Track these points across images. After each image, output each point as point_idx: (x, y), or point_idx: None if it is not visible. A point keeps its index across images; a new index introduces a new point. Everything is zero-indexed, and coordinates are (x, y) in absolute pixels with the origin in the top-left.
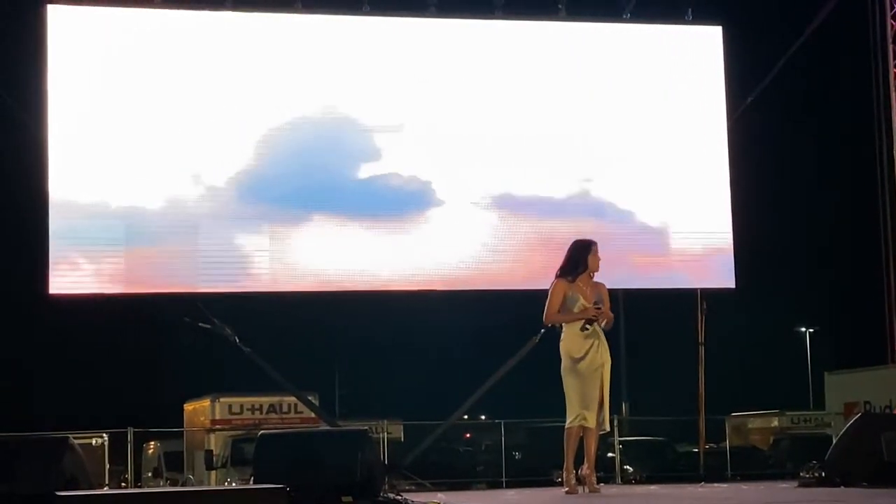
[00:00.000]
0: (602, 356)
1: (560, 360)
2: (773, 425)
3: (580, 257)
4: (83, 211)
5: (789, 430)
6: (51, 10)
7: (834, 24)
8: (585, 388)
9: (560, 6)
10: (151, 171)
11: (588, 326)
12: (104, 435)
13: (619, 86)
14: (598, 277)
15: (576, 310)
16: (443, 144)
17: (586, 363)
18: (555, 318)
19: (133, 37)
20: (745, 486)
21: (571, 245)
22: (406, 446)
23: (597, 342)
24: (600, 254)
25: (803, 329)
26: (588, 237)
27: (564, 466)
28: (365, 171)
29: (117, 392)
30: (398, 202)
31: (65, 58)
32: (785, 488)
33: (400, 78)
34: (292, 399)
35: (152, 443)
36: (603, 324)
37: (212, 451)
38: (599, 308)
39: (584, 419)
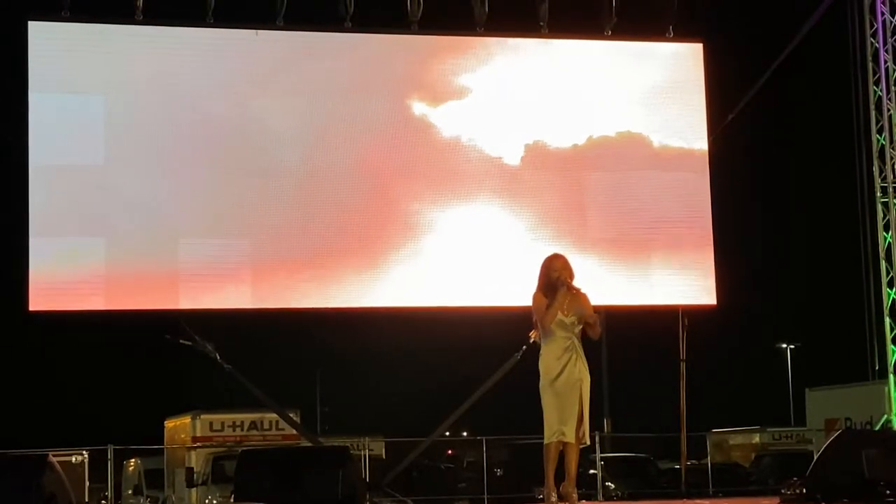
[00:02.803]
0: (580, 372)
1: (539, 377)
2: (754, 442)
3: (540, 274)
4: (64, 227)
5: (771, 446)
6: (32, 26)
7: (815, 42)
8: (563, 403)
9: (541, 23)
10: (132, 187)
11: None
12: (84, 452)
13: (601, 102)
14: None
15: (554, 326)
16: (422, 162)
17: (563, 379)
18: (547, 319)
19: (114, 53)
20: (726, 503)
21: None
22: (388, 463)
23: (574, 357)
24: (581, 271)
25: (784, 345)
26: (565, 254)
27: (545, 483)
28: (346, 191)
29: (97, 409)
30: (380, 222)
31: (46, 74)
32: None
33: (384, 95)
34: (274, 416)
35: (133, 460)
36: (591, 332)
37: (192, 468)
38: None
39: (562, 434)
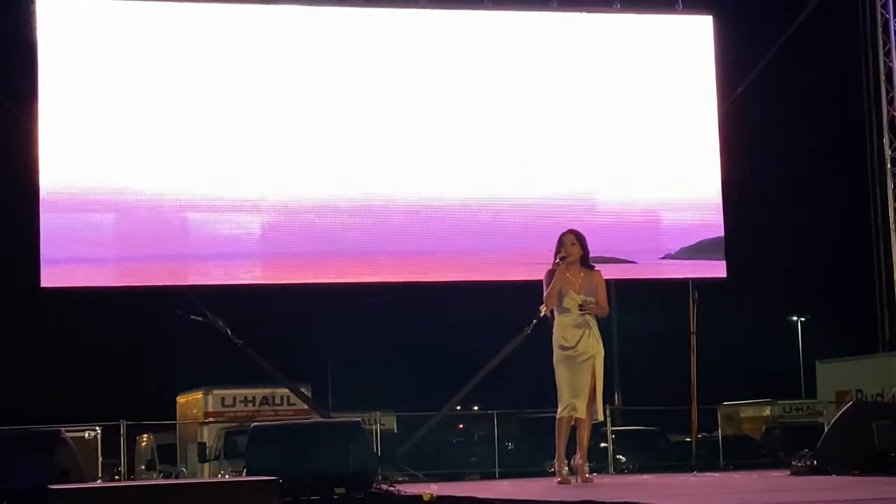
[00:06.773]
0: (593, 346)
1: (552, 350)
2: (764, 414)
3: (556, 248)
4: (74, 204)
5: (781, 418)
6: (40, 0)
7: (824, 14)
8: (576, 378)
9: None
10: (142, 164)
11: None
12: (97, 428)
13: (611, 76)
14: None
15: (564, 303)
16: (434, 135)
17: (576, 353)
18: (548, 300)
19: (123, 28)
20: (737, 475)
21: None
22: (399, 438)
23: (587, 332)
24: (591, 243)
25: (795, 318)
26: (577, 227)
27: (556, 457)
28: (356, 164)
29: (110, 385)
30: (390, 194)
31: (55, 49)
32: (777, 477)
33: (391, 70)
34: (285, 391)
35: (145, 435)
36: (596, 312)
37: (205, 443)
38: (590, 302)
39: (574, 409)
